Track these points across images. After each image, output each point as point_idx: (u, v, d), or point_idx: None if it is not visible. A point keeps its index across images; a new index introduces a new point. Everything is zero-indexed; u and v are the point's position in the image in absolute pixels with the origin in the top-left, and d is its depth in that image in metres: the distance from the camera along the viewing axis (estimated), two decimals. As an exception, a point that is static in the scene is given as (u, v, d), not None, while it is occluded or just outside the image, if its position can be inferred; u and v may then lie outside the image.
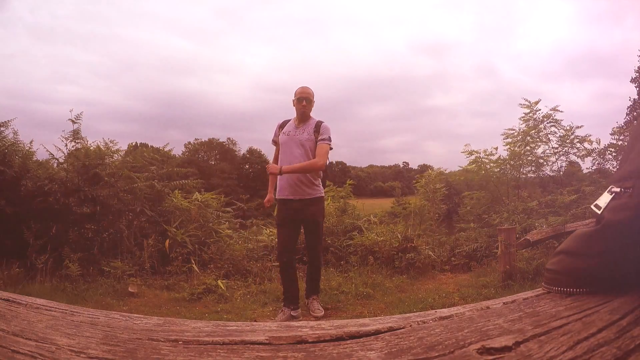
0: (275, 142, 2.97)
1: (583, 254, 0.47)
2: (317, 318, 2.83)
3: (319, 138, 2.80)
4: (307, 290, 3.02)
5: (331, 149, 2.85)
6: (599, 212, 0.48)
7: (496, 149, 6.00)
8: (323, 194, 2.95)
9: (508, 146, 5.86)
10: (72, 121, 4.42)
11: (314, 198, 2.80)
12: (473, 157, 6.10)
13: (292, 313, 2.77)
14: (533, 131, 5.63)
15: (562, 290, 0.47)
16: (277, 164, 2.83)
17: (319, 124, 2.84)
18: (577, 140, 5.56)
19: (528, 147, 5.73)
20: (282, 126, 2.94)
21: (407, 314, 0.44)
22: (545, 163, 5.76)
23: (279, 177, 2.81)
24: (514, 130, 5.83)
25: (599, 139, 5.64)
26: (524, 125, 5.72)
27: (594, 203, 0.50)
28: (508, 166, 5.85)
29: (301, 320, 2.69)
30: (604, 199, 0.48)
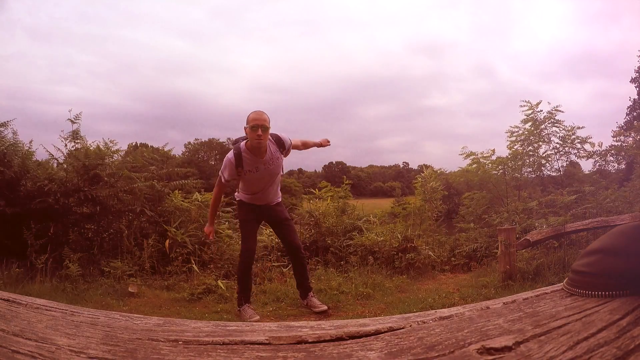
0: (228, 182, 2.73)
1: (628, 252, 0.42)
2: (321, 313, 2.84)
3: (287, 147, 2.73)
4: (303, 289, 2.99)
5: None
6: None
7: (493, 150, 6.01)
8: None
9: (511, 144, 5.85)
10: (72, 121, 4.42)
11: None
12: (471, 158, 6.10)
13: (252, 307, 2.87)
14: (536, 131, 5.63)
15: (599, 294, 0.43)
16: (247, 191, 2.80)
17: (280, 141, 2.68)
18: (578, 140, 5.56)
19: (531, 147, 5.73)
20: (239, 162, 2.60)
21: (407, 314, 0.44)
22: (546, 163, 5.76)
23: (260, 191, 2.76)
24: (518, 128, 5.82)
25: (601, 142, 5.66)
26: (527, 125, 5.72)
27: None
28: (508, 165, 5.85)
29: (301, 320, 2.69)
30: None
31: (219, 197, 2.93)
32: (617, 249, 0.44)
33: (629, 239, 0.43)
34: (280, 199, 2.96)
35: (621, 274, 0.43)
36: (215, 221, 4.85)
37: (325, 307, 2.90)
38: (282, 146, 2.69)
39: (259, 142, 2.52)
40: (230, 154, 2.65)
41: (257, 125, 2.50)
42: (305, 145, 3.02)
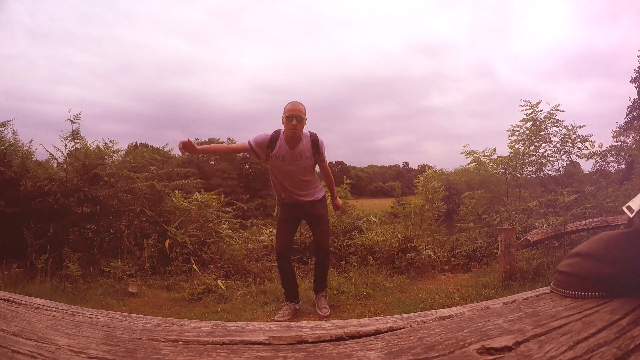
0: (258, 157, 2.73)
1: (604, 259, 0.44)
2: (322, 317, 2.84)
3: (321, 159, 2.74)
4: (317, 286, 3.01)
5: None
6: (631, 215, 0.44)
7: (494, 149, 6.01)
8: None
9: (512, 143, 5.84)
10: (71, 121, 4.42)
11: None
12: (472, 157, 6.09)
13: (297, 306, 2.92)
14: (537, 130, 5.62)
15: (575, 294, 0.45)
16: (274, 185, 2.84)
17: (316, 142, 2.67)
18: (579, 140, 5.56)
19: (532, 147, 5.72)
20: (273, 143, 2.65)
21: (407, 314, 0.44)
22: (547, 163, 5.76)
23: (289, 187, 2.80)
24: (519, 127, 5.82)
25: (601, 143, 5.66)
26: (528, 124, 5.71)
27: (627, 205, 0.46)
28: (509, 165, 5.84)
29: (301, 320, 2.70)
30: (638, 201, 0.45)
31: (230, 146, 3.13)
32: (595, 255, 0.46)
33: (607, 247, 0.45)
34: (320, 196, 2.89)
35: (597, 277, 0.45)
36: (215, 220, 4.87)
37: (327, 313, 2.88)
38: (317, 147, 2.68)
39: (294, 131, 2.57)
40: (268, 131, 2.70)
41: (293, 116, 2.55)
42: (326, 177, 3.04)
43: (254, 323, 0.43)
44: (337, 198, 3.23)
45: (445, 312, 0.44)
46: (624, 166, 6.15)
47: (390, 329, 0.39)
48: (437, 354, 0.34)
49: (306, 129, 2.70)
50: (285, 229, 2.86)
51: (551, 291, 0.49)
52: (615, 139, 6.38)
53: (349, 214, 5.51)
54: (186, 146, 2.54)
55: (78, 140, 4.49)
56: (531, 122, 5.65)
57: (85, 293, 3.39)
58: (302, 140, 2.65)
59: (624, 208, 0.47)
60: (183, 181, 5.08)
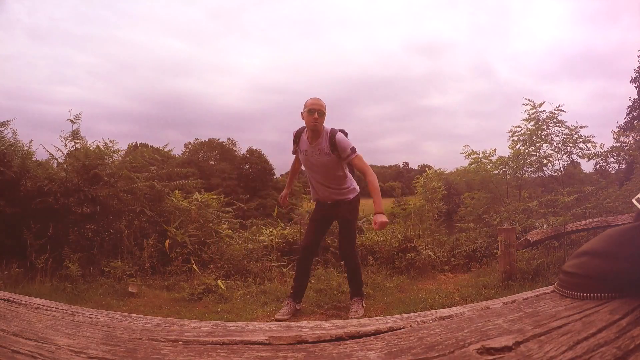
0: (295, 152, 2.98)
1: (614, 255, 0.42)
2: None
3: (344, 156, 2.69)
4: (350, 291, 3.01)
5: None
6: None
7: (494, 150, 6.00)
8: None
9: (513, 143, 5.82)
10: (71, 121, 4.42)
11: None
12: (472, 157, 6.09)
13: (297, 306, 2.92)
14: (538, 131, 5.61)
15: (584, 295, 0.43)
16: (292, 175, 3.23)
17: (332, 138, 2.70)
18: (581, 140, 5.54)
19: (533, 147, 5.71)
20: (297, 139, 2.86)
21: (407, 314, 0.44)
22: (548, 163, 5.74)
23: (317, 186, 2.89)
24: (520, 127, 5.80)
25: (603, 144, 5.64)
26: (529, 124, 5.70)
27: (636, 197, 0.44)
28: (509, 165, 5.83)
29: (301, 320, 2.69)
30: None
31: (292, 166, 3.16)
32: (604, 252, 0.44)
33: (616, 243, 0.43)
34: (350, 197, 2.86)
35: (607, 276, 0.43)
36: (215, 220, 4.87)
37: (354, 317, 2.81)
38: (334, 145, 2.71)
39: (315, 124, 2.68)
40: (295, 130, 2.90)
41: (314, 109, 2.68)
42: (364, 177, 2.74)
43: (254, 323, 0.43)
44: (380, 212, 2.50)
45: (445, 312, 0.44)
46: (624, 166, 6.13)
47: (390, 329, 0.39)
48: (437, 354, 0.34)
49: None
50: (314, 228, 2.94)
51: (553, 291, 0.49)
52: (616, 140, 6.36)
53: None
54: (285, 199, 3.23)
55: (78, 140, 4.49)
56: (533, 122, 5.64)
57: (85, 293, 3.39)
58: (322, 135, 2.75)
59: (634, 200, 0.45)
60: (183, 181, 5.08)
